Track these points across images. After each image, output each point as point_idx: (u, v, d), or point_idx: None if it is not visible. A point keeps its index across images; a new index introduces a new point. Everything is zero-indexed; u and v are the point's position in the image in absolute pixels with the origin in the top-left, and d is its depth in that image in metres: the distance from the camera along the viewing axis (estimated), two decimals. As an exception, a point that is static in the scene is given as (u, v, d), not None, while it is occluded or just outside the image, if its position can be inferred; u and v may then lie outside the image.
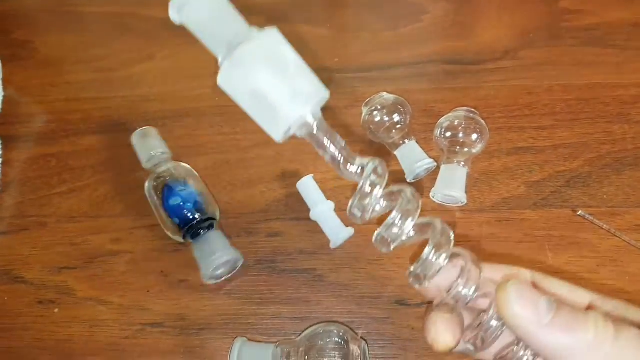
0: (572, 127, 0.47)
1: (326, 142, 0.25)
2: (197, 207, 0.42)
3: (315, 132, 0.24)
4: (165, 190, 0.42)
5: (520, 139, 0.47)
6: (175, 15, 0.25)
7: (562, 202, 0.43)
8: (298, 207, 0.45)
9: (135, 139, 0.45)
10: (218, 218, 0.43)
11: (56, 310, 0.42)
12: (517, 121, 0.48)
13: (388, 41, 0.54)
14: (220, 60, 0.24)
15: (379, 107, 0.45)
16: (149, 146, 0.45)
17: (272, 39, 0.24)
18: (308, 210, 0.44)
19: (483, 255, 0.42)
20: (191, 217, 0.41)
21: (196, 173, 0.45)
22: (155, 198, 0.42)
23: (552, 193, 0.44)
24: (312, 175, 0.44)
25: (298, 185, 0.44)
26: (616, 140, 0.46)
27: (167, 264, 0.43)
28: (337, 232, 0.42)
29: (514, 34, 0.53)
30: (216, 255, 0.40)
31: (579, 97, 0.48)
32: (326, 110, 0.50)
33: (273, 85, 0.23)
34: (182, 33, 0.55)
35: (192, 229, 0.41)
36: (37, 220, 0.46)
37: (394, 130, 0.45)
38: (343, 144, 0.25)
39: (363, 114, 0.46)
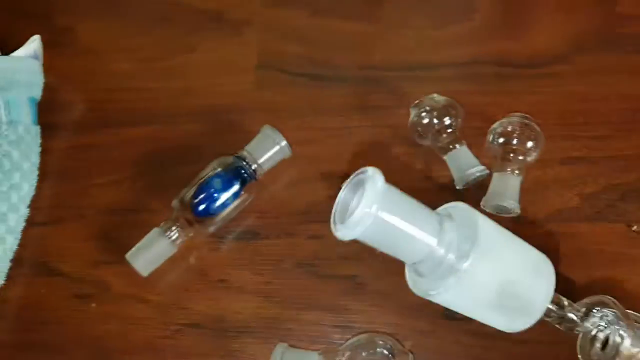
0: (628, 138, 0.45)
1: None
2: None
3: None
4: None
5: (573, 148, 0.45)
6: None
7: (617, 217, 0.42)
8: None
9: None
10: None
11: (93, 305, 0.42)
12: (570, 129, 0.46)
13: (434, 39, 0.52)
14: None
15: (429, 109, 0.44)
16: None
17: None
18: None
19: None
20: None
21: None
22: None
23: (606, 207, 0.42)
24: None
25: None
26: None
27: (207, 263, 0.43)
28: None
29: (569, 37, 0.51)
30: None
31: (636, 107, 0.46)
32: (369, 109, 0.49)
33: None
34: (222, 26, 0.54)
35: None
36: (76, 212, 0.46)
37: (444, 134, 0.43)
38: None
39: (411, 116, 0.45)
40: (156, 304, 0.42)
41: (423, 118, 0.44)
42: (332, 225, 0.23)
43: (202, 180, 0.40)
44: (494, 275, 0.22)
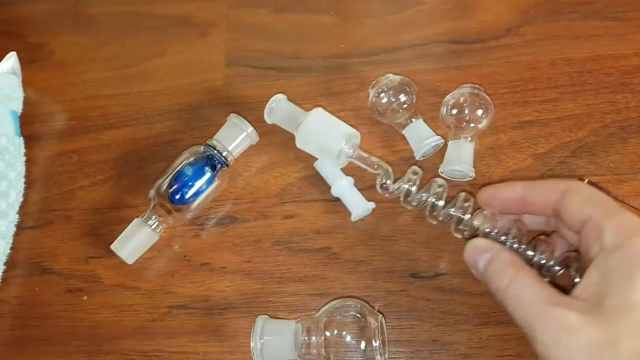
0: (575, 99, 0.48)
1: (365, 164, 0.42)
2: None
3: (353, 156, 0.42)
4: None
5: (525, 113, 0.48)
6: (267, 119, 0.47)
7: (569, 172, 0.44)
8: (311, 190, 0.46)
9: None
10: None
11: (85, 298, 0.45)
12: (521, 96, 0.49)
13: (392, 25, 0.55)
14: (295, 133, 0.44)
15: (385, 89, 0.46)
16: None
17: (317, 115, 0.44)
18: (322, 192, 0.45)
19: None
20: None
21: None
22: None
23: (558, 164, 0.45)
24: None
25: (316, 165, 0.46)
26: (620, 110, 0.47)
27: (190, 249, 0.45)
28: (358, 205, 0.44)
29: (515, 11, 0.54)
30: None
31: (581, 69, 0.49)
32: (334, 95, 0.51)
33: (325, 131, 0.43)
34: (189, 29, 0.57)
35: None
36: (63, 214, 0.48)
37: (400, 111, 0.46)
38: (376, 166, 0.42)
39: (370, 96, 0.47)
40: (144, 291, 0.44)
41: (381, 98, 0.46)
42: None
43: (175, 170, 0.43)
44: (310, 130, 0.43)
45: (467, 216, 0.38)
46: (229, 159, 0.45)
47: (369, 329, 0.37)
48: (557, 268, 0.34)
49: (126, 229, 0.43)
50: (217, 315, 0.43)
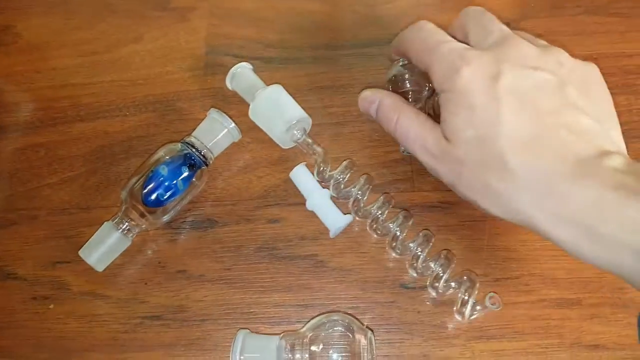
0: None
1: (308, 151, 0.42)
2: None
3: (300, 140, 0.42)
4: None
5: (524, 114, 0.45)
6: (228, 84, 0.45)
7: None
8: (297, 192, 0.43)
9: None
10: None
11: (51, 306, 0.41)
12: (520, 95, 0.46)
13: (385, 15, 0.52)
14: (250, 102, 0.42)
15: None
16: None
17: (272, 90, 0.42)
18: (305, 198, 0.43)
19: (489, 234, 0.41)
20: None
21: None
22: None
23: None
24: (304, 163, 0.43)
25: (291, 175, 0.43)
26: (621, 112, 0.43)
27: (165, 254, 0.42)
28: (335, 222, 0.41)
29: (515, 4, 0.51)
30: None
31: (583, 66, 0.47)
32: (323, 89, 0.48)
33: (273, 109, 0.42)
34: (168, 13, 0.53)
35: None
36: (28, 214, 0.45)
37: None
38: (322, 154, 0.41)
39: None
40: (116, 300, 0.41)
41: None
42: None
43: (149, 169, 0.40)
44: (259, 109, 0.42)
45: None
46: (208, 157, 0.42)
47: (357, 346, 0.35)
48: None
49: (95, 233, 0.40)
50: (195, 327, 0.40)
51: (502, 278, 0.40)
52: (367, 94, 0.38)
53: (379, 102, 0.36)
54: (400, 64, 0.41)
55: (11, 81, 0.51)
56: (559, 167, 0.27)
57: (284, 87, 0.44)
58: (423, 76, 0.39)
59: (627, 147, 0.42)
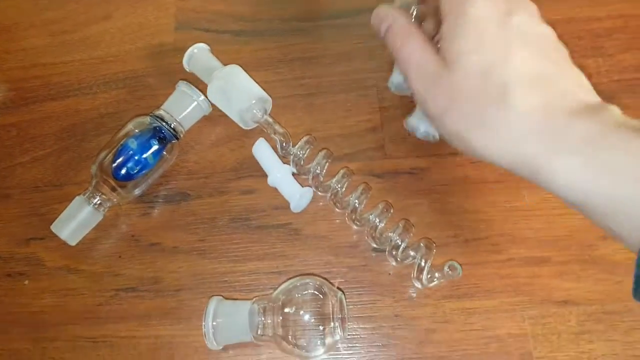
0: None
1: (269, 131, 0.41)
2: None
3: (261, 120, 0.41)
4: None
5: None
6: (186, 66, 0.45)
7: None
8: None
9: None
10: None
11: (26, 282, 0.41)
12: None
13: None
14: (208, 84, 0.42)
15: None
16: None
17: (230, 69, 0.42)
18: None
19: (459, 197, 0.42)
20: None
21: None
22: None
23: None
24: (262, 138, 0.43)
25: (253, 151, 0.43)
26: (591, 74, 0.45)
27: (138, 228, 0.42)
28: (293, 196, 0.41)
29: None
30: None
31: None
32: (294, 61, 0.48)
33: (231, 90, 0.41)
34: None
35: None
36: (1, 192, 0.45)
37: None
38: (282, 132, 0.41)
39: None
40: (90, 273, 0.41)
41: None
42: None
43: (119, 143, 0.40)
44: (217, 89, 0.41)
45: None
46: (178, 130, 0.42)
47: (328, 306, 0.35)
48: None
49: (67, 208, 0.40)
50: (170, 297, 0.40)
51: (472, 239, 0.40)
52: (381, 11, 0.36)
53: (392, 21, 0.34)
54: None
55: (-20, 62, 0.51)
56: (563, 103, 0.27)
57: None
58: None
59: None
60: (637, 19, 0.46)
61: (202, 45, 0.44)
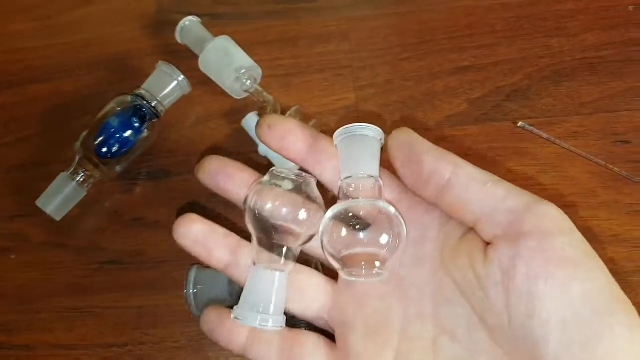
0: (511, 44, 0.48)
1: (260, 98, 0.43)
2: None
3: (251, 89, 0.43)
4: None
5: (461, 59, 0.47)
6: (178, 37, 0.46)
7: (503, 116, 0.45)
8: (249, 142, 0.45)
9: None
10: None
11: (13, 257, 0.43)
12: (458, 42, 0.48)
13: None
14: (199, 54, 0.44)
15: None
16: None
17: (221, 40, 0.44)
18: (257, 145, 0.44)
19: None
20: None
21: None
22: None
23: (492, 108, 0.45)
24: (255, 112, 0.45)
25: (243, 123, 0.45)
26: (554, 54, 0.47)
27: (120, 204, 0.44)
28: (287, 163, 0.43)
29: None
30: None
31: (518, 14, 0.49)
32: (272, 43, 0.50)
33: (222, 60, 0.43)
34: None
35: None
36: (-14, 172, 0.46)
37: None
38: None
39: None
40: (74, 248, 0.43)
41: None
42: None
43: (101, 122, 0.41)
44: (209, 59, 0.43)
45: None
46: (159, 109, 0.43)
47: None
48: None
49: (52, 184, 0.41)
50: (152, 270, 0.42)
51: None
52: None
53: None
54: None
55: (-36, 47, 0.52)
56: None
57: (235, 41, 0.46)
58: None
59: (559, 88, 0.45)
60: (598, 1, 0.48)
61: (193, 17, 0.46)
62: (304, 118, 0.44)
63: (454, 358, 0.24)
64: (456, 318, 0.24)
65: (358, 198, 0.25)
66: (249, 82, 0.43)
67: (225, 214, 0.43)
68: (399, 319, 0.25)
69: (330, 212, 0.26)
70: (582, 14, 0.48)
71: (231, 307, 0.27)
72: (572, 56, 0.47)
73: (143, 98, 0.43)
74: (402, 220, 0.25)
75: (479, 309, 0.23)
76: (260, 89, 0.44)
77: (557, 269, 0.21)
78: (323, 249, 0.26)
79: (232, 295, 0.37)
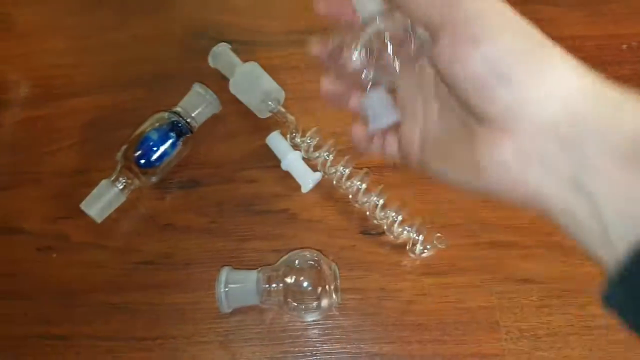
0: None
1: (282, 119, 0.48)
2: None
3: (275, 110, 0.48)
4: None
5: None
6: (210, 62, 0.51)
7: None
8: (272, 157, 0.49)
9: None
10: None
11: (54, 256, 0.47)
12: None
13: None
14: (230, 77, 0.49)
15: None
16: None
17: (250, 66, 0.49)
18: (280, 160, 0.49)
19: (439, 189, 0.48)
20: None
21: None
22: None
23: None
24: (278, 130, 0.49)
25: (267, 140, 0.49)
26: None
27: (154, 210, 0.48)
28: (306, 177, 0.47)
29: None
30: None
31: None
32: (294, 69, 0.54)
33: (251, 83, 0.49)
34: (150, 2, 0.57)
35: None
36: (32, 177, 0.50)
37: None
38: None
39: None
40: (112, 249, 0.46)
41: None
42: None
43: (141, 135, 0.45)
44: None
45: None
46: (192, 125, 0.48)
47: (324, 275, 0.41)
48: None
49: (95, 189, 0.45)
50: (182, 270, 0.46)
51: (448, 224, 0.46)
52: None
53: None
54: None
55: (10, 62, 0.56)
56: None
57: (261, 67, 0.50)
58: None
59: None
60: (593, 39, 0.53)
61: (224, 44, 0.51)
62: (322, 138, 0.48)
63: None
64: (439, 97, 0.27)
65: None
66: (273, 103, 0.48)
67: (249, 221, 0.47)
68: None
69: None
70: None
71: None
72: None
73: (179, 115, 0.47)
74: None
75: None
76: (283, 110, 0.48)
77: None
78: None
79: (259, 295, 0.41)
